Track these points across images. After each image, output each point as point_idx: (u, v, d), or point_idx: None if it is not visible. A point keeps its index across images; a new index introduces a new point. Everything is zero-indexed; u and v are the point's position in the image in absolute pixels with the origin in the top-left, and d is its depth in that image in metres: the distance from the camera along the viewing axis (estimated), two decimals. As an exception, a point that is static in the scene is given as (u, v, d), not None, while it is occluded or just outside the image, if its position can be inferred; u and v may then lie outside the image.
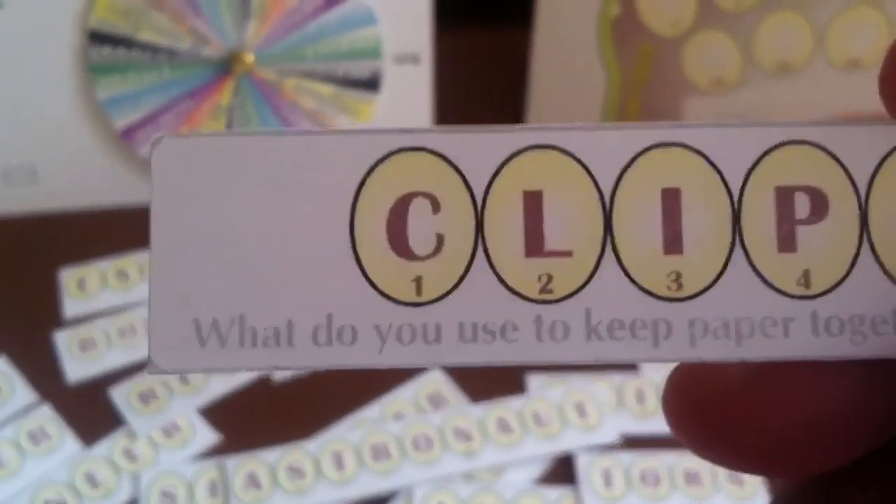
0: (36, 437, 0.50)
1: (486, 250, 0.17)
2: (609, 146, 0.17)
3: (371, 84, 0.62)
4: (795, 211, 0.17)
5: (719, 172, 0.17)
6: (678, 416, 0.18)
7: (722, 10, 0.60)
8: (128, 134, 0.60)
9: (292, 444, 0.50)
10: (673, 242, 0.17)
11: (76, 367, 0.54)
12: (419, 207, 0.17)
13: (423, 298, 0.17)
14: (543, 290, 0.17)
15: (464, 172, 0.17)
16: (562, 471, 0.50)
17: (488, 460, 0.50)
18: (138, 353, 0.54)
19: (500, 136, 0.17)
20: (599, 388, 0.53)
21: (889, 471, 0.18)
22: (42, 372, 0.54)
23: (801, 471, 0.18)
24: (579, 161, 0.17)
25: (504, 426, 0.51)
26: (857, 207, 0.17)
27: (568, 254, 0.17)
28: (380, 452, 0.50)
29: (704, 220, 0.17)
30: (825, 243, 0.17)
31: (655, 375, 0.54)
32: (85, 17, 0.58)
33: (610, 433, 0.51)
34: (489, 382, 0.53)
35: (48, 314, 0.56)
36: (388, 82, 0.62)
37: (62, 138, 0.60)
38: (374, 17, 0.61)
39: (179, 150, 0.17)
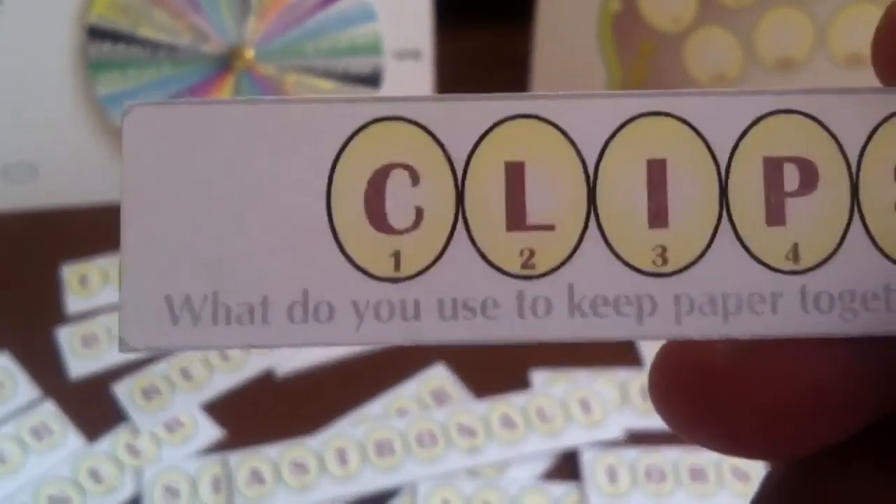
0: (39, 433, 0.50)
1: (466, 224, 0.16)
2: (593, 115, 0.16)
3: (372, 80, 0.62)
4: (784, 183, 0.16)
5: (706, 142, 0.16)
6: (665, 398, 0.17)
7: (723, 5, 0.60)
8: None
9: (296, 440, 0.50)
10: (658, 215, 0.16)
11: (79, 363, 0.54)
12: (398, 179, 0.16)
13: (402, 274, 0.16)
14: (525, 266, 0.16)
15: (444, 143, 0.16)
16: (566, 467, 0.50)
17: (492, 456, 0.50)
18: (140, 349, 0.54)
19: (482, 105, 0.16)
20: (604, 384, 0.53)
21: (877, 450, 0.17)
22: (45, 368, 0.53)
23: (789, 451, 0.17)
24: (562, 131, 0.16)
25: (508, 422, 0.51)
26: (848, 179, 0.16)
27: (551, 227, 0.16)
28: (383, 448, 0.50)
29: (691, 193, 0.16)
30: (815, 216, 0.16)
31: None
32: (84, 13, 0.58)
33: (614, 429, 0.51)
34: (493, 378, 0.53)
35: (50, 310, 0.56)
36: (389, 78, 0.62)
37: (62, 135, 0.60)
38: (374, 12, 0.61)
39: (151, 120, 0.16)
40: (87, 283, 0.57)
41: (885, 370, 0.16)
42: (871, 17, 0.57)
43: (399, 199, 0.16)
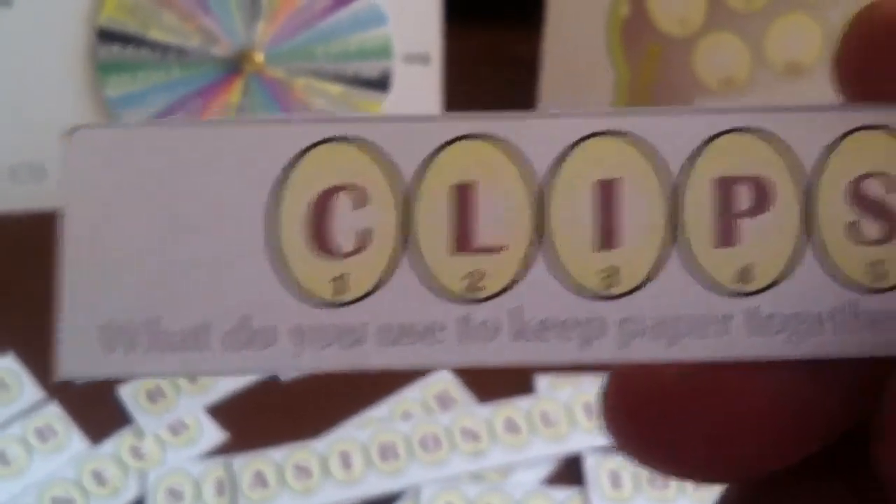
0: (43, 435, 0.50)
1: (411, 247, 0.16)
2: (543, 136, 0.16)
3: (381, 84, 0.62)
4: (736, 203, 0.16)
5: (657, 163, 0.16)
6: (615, 421, 0.17)
7: (732, 10, 0.60)
8: (137, 132, 0.60)
9: (300, 443, 0.50)
10: (607, 237, 0.16)
11: (84, 365, 0.54)
12: (342, 202, 0.16)
13: (345, 298, 0.16)
14: (472, 289, 0.16)
15: (390, 164, 0.16)
16: (570, 472, 0.50)
17: (496, 460, 0.50)
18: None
19: (429, 126, 0.16)
20: (608, 388, 0.53)
21: (845, 468, 0.17)
22: (49, 370, 0.53)
23: (738, 474, 0.17)
24: (511, 152, 0.16)
25: (512, 426, 0.51)
26: (800, 199, 0.16)
27: (498, 250, 0.16)
28: (387, 452, 0.50)
29: (641, 214, 0.16)
30: (766, 237, 0.16)
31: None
32: (94, 15, 0.58)
33: (618, 434, 0.51)
34: (497, 383, 0.53)
35: (56, 312, 0.56)
36: (398, 82, 0.62)
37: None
38: (384, 16, 0.61)
39: (93, 143, 0.16)
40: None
41: (838, 392, 0.16)
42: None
43: (343, 223, 0.16)
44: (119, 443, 0.50)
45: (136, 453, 0.50)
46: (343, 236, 0.16)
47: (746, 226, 0.16)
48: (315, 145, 0.16)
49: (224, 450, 0.51)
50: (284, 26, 0.60)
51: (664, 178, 0.16)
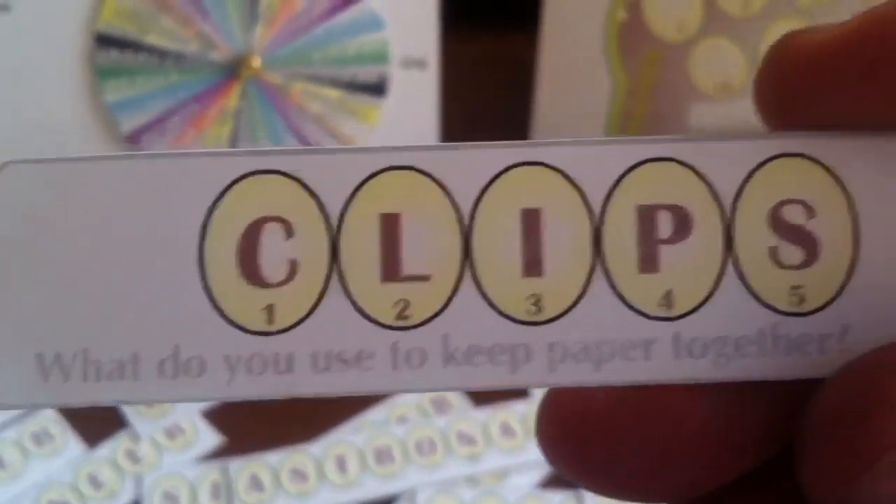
0: (39, 439, 0.50)
1: (340, 276, 0.16)
2: (468, 166, 0.16)
3: (378, 89, 0.62)
4: (658, 230, 0.16)
5: (580, 191, 0.16)
6: (549, 442, 0.17)
7: (728, 15, 0.60)
8: (135, 137, 0.60)
9: (295, 447, 0.50)
10: (533, 265, 0.16)
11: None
12: (271, 233, 0.16)
13: (275, 327, 0.16)
14: (400, 317, 0.16)
15: (318, 195, 0.16)
16: (565, 475, 0.50)
17: (492, 464, 0.50)
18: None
19: (355, 157, 0.16)
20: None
21: (755, 495, 0.18)
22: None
23: (671, 495, 0.18)
24: (437, 182, 0.16)
25: (507, 430, 0.51)
26: (722, 226, 0.16)
27: (426, 278, 0.16)
28: (383, 456, 0.50)
29: (565, 242, 0.16)
30: (688, 263, 0.16)
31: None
32: (92, 20, 0.58)
33: (613, 438, 0.51)
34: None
35: None
36: (395, 87, 0.62)
37: (69, 141, 0.60)
38: (381, 21, 0.61)
39: (24, 176, 0.16)
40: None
41: (766, 413, 0.17)
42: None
43: (273, 253, 0.16)
44: (115, 447, 0.51)
45: (133, 457, 0.50)
46: (273, 266, 0.16)
47: (669, 252, 0.16)
48: (244, 177, 0.16)
49: (220, 454, 0.51)
50: (282, 31, 0.60)
51: (588, 207, 0.16)
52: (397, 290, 0.16)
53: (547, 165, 0.16)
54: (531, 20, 0.61)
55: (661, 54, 0.61)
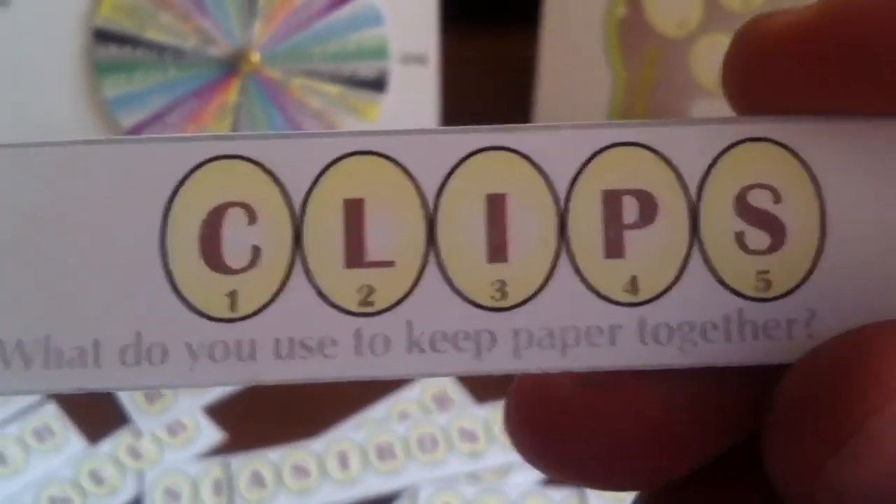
0: (41, 435, 0.50)
1: (304, 262, 0.16)
2: (433, 151, 0.16)
3: (377, 84, 0.62)
4: (623, 215, 0.16)
5: (545, 177, 0.16)
6: (517, 430, 0.17)
7: (728, 11, 0.60)
8: (134, 133, 0.60)
9: (297, 444, 0.50)
10: (498, 250, 0.16)
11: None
12: (234, 218, 0.16)
13: (238, 314, 0.16)
14: (364, 303, 0.16)
15: (282, 181, 0.16)
16: (567, 472, 0.50)
17: (493, 461, 0.50)
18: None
19: (320, 142, 0.16)
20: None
21: (725, 480, 0.18)
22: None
23: (639, 482, 0.18)
24: (402, 167, 0.16)
25: (509, 427, 0.51)
26: (687, 211, 0.16)
27: (390, 264, 0.16)
28: (385, 452, 0.50)
29: (530, 227, 0.16)
30: (654, 248, 0.16)
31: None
32: (91, 15, 0.58)
33: (615, 434, 0.51)
34: (495, 383, 0.53)
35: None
36: (395, 83, 0.62)
37: (69, 137, 0.60)
38: (381, 16, 0.61)
39: None
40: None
41: (733, 398, 0.17)
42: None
43: (235, 239, 0.16)
44: (116, 443, 0.50)
45: (134, 453, 0.50)
46: (235, 252, 0.16)
47: (634, 237, 0.16)
48: (206, 162, 0.16)
49: (222, 450, 0.51)
50: (281, 27, 0.60)
51: (553, 192, 0.16)
52: (361, 276, 0.16)
53: (512, 150, 0.16)
54: (531, 16, 0.61)
55: (661, 51, 0.61)
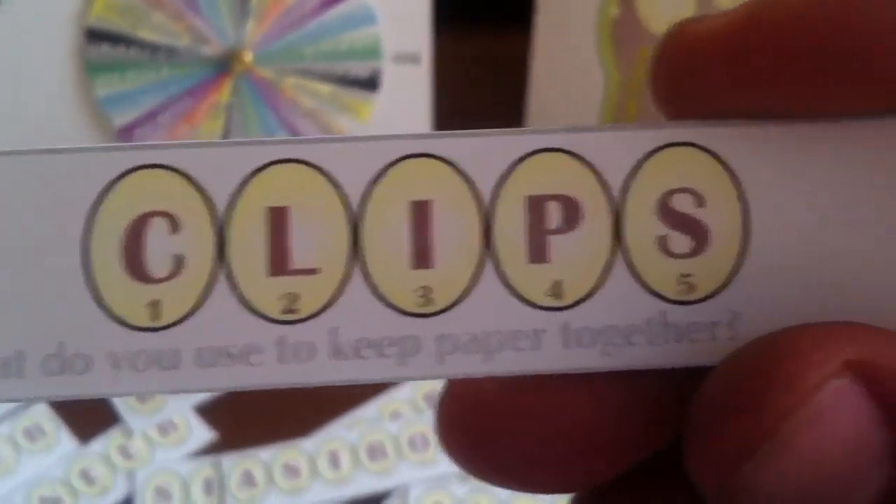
0: (32, 434, 0.50)
1: (227, 271, 0.16)
2: (356, 158, 0.16)
3: (370, 84, 0.62)
4: (547, 220, 0.16)
5: (469, 183, 0.16)
6: (446, 435, 0.17)
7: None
8: (126, 132, 0.60)
9: (288, 443, 0.50)
10: (422, 256, 0.16)
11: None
12: (156, 228, 0.16)
13: (160, 323, 0.16)
14: (287, 311, 0.16)
15: (205, 190, 0.16)
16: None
17: (484, 460, 0.50)
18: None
19: (242, 150, 0.16)
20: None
21: (652, 482, 0.18)
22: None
23: (563, 486, 0.18)
24: (326, 174, 0.16)
25: (500, 426, 0.51)
26: (610, 215, 0.16)
27: (314, 272, 0.16)
28: (376, 452, 0.50)
29: (454, 233, 0.16)
30: (577, 253, 0.16)
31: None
32: (83, 15, 0.58)
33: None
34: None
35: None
36: (388, 82, 0.62)
37: (60, 136, 0.60)
38: (373, 16, 0.61)
39: None
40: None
41: (657, 401, 0.17)
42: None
43: (158, 248, 0.16)
44: (108, 442, 0.50)
45: (125, 453, 0.50)
46: (158, 261, 0.16)
47: (558, 242, 0.16)
48: (129, 172, 0.16)
49: (213, 449, 0.51)
50: (274, 26, 0.60)
51: (477, 198, 0.16)
52: (285, 283, 0.16)
53: (437, 157, 0.16)
54: (524, 16, 0.61)
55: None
